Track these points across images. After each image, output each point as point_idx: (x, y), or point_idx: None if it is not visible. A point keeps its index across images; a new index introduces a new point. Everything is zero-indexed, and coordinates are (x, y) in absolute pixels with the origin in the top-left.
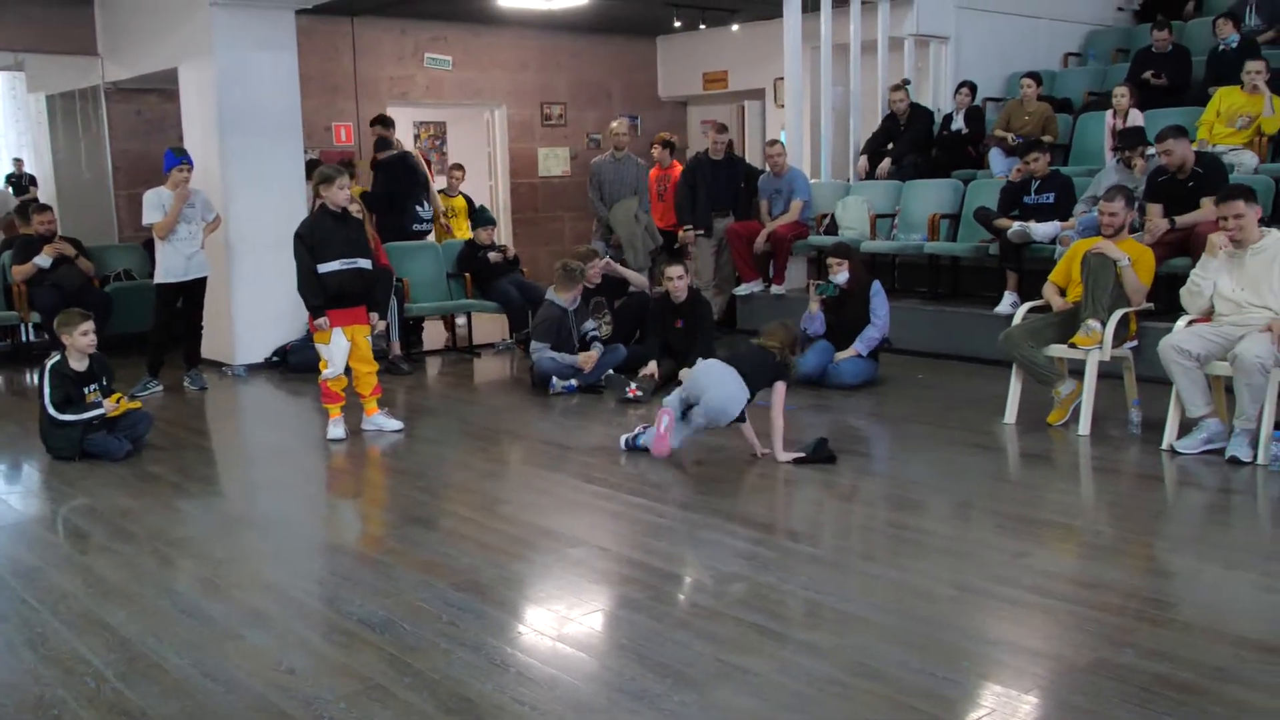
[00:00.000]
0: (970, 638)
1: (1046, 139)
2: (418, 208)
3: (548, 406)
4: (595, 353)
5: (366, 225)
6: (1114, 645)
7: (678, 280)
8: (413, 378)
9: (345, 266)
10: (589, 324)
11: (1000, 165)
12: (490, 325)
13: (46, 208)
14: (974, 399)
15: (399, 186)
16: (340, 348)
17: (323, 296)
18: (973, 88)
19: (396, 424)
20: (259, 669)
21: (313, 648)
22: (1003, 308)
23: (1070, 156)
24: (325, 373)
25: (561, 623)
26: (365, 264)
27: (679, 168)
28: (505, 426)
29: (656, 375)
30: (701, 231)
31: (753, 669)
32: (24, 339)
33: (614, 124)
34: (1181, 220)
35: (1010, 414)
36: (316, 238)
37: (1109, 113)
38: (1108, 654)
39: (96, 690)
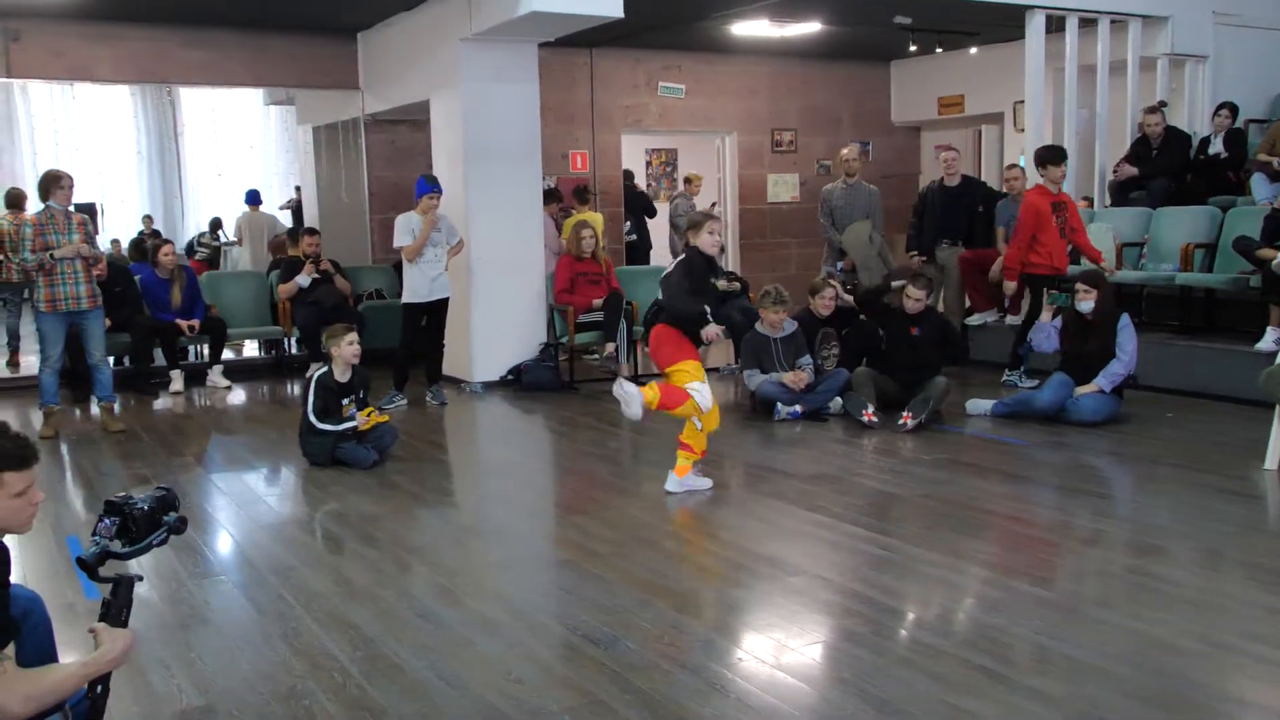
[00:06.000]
0: (1218, 697)
1: None
2: (623, 226)
3: (769, 432)
4: (800, 373)
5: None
6: None
7: (913, 303)
8: None
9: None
10: (805, 358)
11: (1264, 192)
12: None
13: (314, 230)
14: (1228, 441)
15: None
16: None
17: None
18: (1233, 109)
19: (707, 482)
20: (489, 676)
21: (539, 659)
22: (1264, 344)
23: None
24: (701, 404)
25: (781, 651)
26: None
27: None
28: (726, 451)
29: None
30: (925, 259)
31: (978, 712)
32: (286, 351)
33: (844, 150)
34: None
35: (1271, 460)
36: (695, 279)
37: None
38: None
39: (342, 685)
